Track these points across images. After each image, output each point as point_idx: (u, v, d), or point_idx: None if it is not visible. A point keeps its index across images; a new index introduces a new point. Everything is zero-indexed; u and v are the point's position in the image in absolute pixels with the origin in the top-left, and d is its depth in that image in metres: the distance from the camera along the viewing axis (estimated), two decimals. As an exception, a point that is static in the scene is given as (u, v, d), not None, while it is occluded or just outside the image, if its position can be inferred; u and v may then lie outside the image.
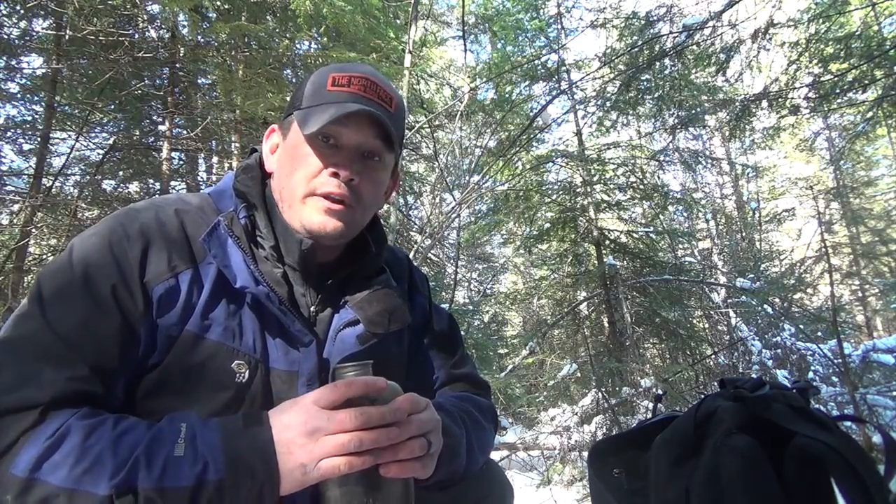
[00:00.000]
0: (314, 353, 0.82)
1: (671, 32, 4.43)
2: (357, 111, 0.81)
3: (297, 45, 5.28)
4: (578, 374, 5.59)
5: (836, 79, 4.36)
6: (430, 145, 6.62)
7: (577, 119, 6.06)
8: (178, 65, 4.87)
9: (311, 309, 0.86)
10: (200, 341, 0.76)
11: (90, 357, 0.70)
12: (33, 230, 4.30)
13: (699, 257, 7.22)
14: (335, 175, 0.82)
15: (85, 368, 0.69)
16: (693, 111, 5.49)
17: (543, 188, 6.37)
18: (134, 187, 6.01)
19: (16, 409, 0.65)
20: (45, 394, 0.66)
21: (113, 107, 5.11)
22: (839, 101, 4.63)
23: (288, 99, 1.01)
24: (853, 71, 4.31)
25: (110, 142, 5.14)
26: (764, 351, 4.85)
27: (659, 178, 6.42)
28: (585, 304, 6.33)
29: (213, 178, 5.93)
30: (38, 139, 4.61)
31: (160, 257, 0.77)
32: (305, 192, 0.83)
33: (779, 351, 4.88)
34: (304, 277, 0.87)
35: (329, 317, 0.87)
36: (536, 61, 6.07)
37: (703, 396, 1.08)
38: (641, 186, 6.00)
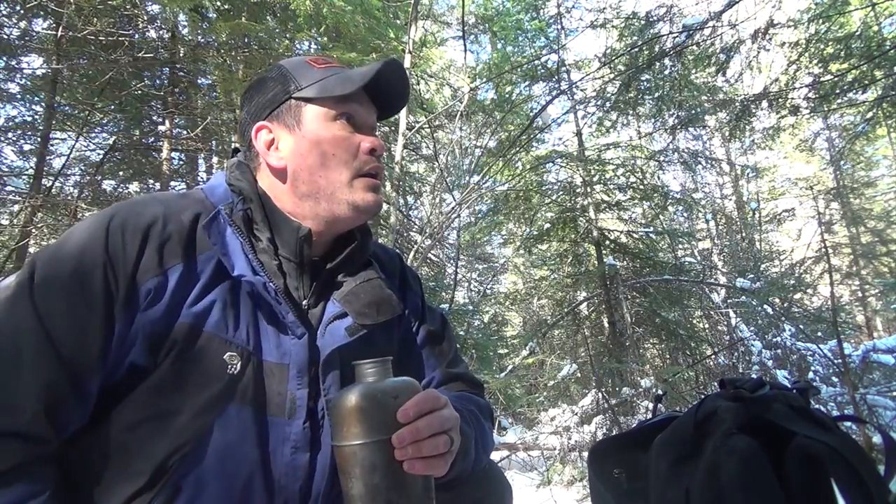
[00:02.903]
0: (305, 345, 0.82)
1: (671, 33, 4.42)
2: (383, 68, 0.86)
3: (297, 45, 5.28)
4: (578, 375, 5.59)
5: (836, 79, 4.35)
6: (430, 145, 6.62)
7: (577, 119, 6.05)
8: (178, 65, 4.86)
9: (304, 302, 0.87)
10: (194, 332, 0.76)
11: (70, 350, 0.71)
12: (33, 230, 4.30)
13: (699, 257, 7.21)
14: (372, 152, 0.88)
15: (61, 373, 0.70)
16: (693, 111, 5.48)
17: (543, 188, 6.38)
18: (134, 187, 6.00)
19: None
20: (13, 423, 0.67)
21: (113, 107, 5.11)
22: (839, 101, 4.63)
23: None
24: (853, 71, 4.31)
25: (110, 142, 5.15)
26: (764, 351, 4.85)
27: (659, 178, 6.43)
28: (585, 304, 6.33)
29: (213, 178, 5.94)
30: (38, 139, 4.61)
31: (153, 254, 0.77)
32: (351, 176, 0.87)
33: (779, 351, 4.88)
34: (298, 269, 0.87)
35: (320, 310, 0.87)
36: (536, 61, 6.06)
37: (703, 397, 1.08)
38: (641, 187, 6.00)
